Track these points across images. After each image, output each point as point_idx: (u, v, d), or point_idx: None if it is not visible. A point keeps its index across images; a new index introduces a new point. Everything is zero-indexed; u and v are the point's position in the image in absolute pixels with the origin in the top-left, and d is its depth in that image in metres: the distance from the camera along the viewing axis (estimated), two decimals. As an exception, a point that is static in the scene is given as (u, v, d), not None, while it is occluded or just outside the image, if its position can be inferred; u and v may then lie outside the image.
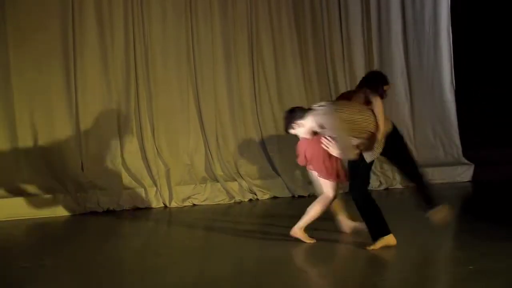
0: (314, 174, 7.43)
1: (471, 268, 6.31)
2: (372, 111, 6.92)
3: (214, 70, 10.35)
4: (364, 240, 7.15)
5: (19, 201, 9.06)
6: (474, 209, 9.69)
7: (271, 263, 6.72)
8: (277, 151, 10.53)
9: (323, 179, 7.29)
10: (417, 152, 11.46)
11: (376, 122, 6.87)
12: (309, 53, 10.91)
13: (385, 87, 7.52)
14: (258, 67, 10.63)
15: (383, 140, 6.94)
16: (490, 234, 7.56)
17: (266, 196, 10.24)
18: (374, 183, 10.46)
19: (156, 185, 9.76)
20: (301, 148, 7.49)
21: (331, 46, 11.05)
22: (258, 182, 10.28)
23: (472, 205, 10.20)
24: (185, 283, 6.13)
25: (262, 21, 10.66)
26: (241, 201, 10.09)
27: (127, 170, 9.76)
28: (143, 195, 9.68)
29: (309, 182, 10.32)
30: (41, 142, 9.43)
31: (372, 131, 6.85)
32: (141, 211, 9.54)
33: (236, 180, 10.19)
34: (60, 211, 9.18)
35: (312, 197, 10.09)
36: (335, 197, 7.34)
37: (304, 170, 10.31)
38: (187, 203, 9.84)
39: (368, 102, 7.06)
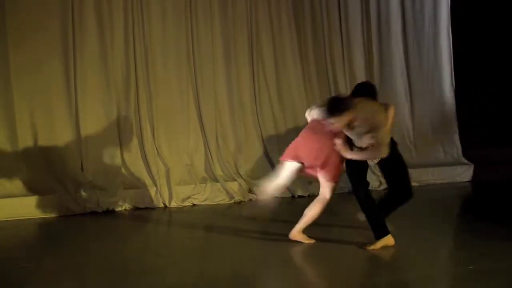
0: (311, 173, 7.37)
1: (471, 268, 6.32)
2: None
3: (214, 70, 10.36)
4: (364, 240, 7.15)
5: (19, 201, 9.05)
6: (474, 209, 9.70)
7: (271, 263, 6.73)
8: (277, 151, 10.52)
9: (325, 181, 7.23)
10: (417, 152, 11.50)
11: None
12: (309, 53, 10.91)
13: None
14: (258, 67, 10.63)
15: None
16: (490, 234, 7.56)
17: (266, 196, 10.23)
18: (374, 183, 10.45)
19: (156, 185, 9.76)
20: (309, 147, 7.28)
21: (331, 46, 11.05)
22: (258, 182, 10.27)
23: (472, 205, 10.22)
24: (185, 283, 6.13)
25: (262, 22, 10.67)
26: (241, 201, 10.09)
27: (127, 170, 9.76)
28: (143, 195, 9.68)
29: (309, 182, 10.37)
30: (41, 142, 9.43)
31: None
32: (141, 211, 9.54)
33: (236, 180, 10.19)
34: (60, 211, 9.17)
35: (312, 197, 10.12)
36: (331, 199, 7.30)
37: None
38: (187, 203, 9.84)
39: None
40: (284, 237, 7.48)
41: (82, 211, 9.29)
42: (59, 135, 9.52)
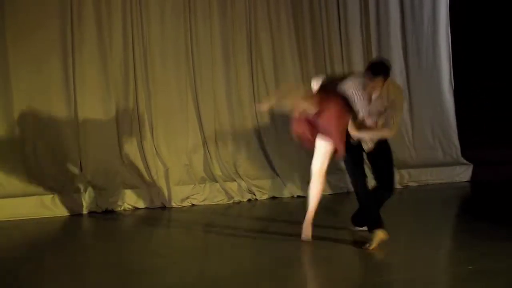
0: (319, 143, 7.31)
1: (471, 268, 6.32)
2: None
3: (212, 70, 10.35)
4: (363, 240, 7.16)
5: (18, 201, 9.03)
6: (473, 209, 9.70)
7: (270, 264, 6.72)
8: (276, 151, 10.53)
9: (324, 151, 7.21)
10: (416, 152, 11.50)
11: None
12: (308, 53, 10.90)
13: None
14: (257, 67, 10.62)
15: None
16: (490, 234, 7.57)
17: (265, 196, 10.23)
18: (372, 183, 10.42)
19: (155, 185, 9.75)
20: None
21: (330, 45, 11.04)
22: (257, 182, 10.27)
23: (471, 205, 10.22)
24: (185, 283, 6.13)
25: (261, 21, 10.66)
26: (240, 201, 10.08)
27: (126, 170, 9.75)
28: (142, 195, 9.67)
29: (308, 182, 10.35)
30: (40, 142, 9.42)
31: None
32: (140, 211, 9.53)
33: (235, 180, 10.18)
34: (59, 211, 9.15)
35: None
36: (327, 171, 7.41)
37: (303, 170, 10.35)
38: (186, 203, 9.83)
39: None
40: (284, 237, 7.50)
41: (81, 211, 9.27)
42: (58, 135, 9.51)
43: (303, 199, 10.09)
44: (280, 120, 10.59)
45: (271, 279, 6.16)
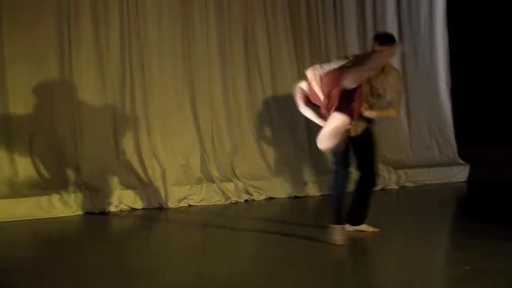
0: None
1: (468, 268, 6.32)
2: None
3: (209, 71, 10.33)
4: (358, 240, 7.17)
5: (14, 202, 9.02)
6: (470, 210, 9.70)
7: (268, 264, 6.72)
8: (273, 151, 10.53)
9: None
10: (413, 153, 11.50)
11: None
12: (305, 55, 10.89)
13: None
14: (254, 68, 10.61)
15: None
16: (487, 234, 7.56)
17: (262, 197, 10.23)
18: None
19: (152, 186, 9.74)
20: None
21: (327, 47, 11.03)
22: (253, 182, 10.27)
23: (468, 206, 10.22)
24: (184, 283, 6.12)
25: (257, 23, 10.64)
26: (237, 202, 10.07)
27: (123, 170, 9.74)
28: (139, 196, 9.66)
29: (304, 182, 10.37)
30: (36, 142, 9.40)
31: None
32: (137, 211, 9.53)
33: (232, 180, 10.18)
34: (56, 212, 9.15)
35: (309, 197, 10.15)
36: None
37: (300, 171, 10.35)
38: (183, 204, 9.83)
39: None
40: (281, 238, 7.51)
41: (77, 212, 9.26)
42: (55, 137, 9.50)
43: (300, 199, 10.14)
44: (277, 120, 10.60)
45: (268, 280, 6.16)
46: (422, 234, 7.73)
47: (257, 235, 7.94)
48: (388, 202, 10.25)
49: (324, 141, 6.78)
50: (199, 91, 10.25)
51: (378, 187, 10.59)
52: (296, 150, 10.60)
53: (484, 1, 12.46)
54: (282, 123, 10.64)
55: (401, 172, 11.11)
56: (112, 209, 9.47)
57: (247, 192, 10.17)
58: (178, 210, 9.67)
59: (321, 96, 6.94)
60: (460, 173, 11.54)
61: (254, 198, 10.16)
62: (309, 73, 7.05)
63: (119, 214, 9.38)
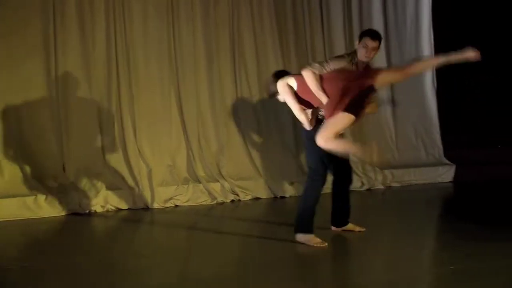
0: None
1: (453, 268, 6.33)
2: None
3: (196, 71, 10.33)
4: (344, 239, 7.17)
5: (0, 203, 8.96)
6: (456, 210, 9.72)
7: (253, 264, 6.71)
8: (259, 151, 10.53)
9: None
10: (399, 153, 11.53)
11: None
12: (291, 54, 10.91)
13: None
14: (240, 68, 10.62)
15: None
16: (473, 235, 7.58)
17: (248, 197, 10.23)
18: (356, 184, 10.45)
19: (138, 186, 9.72)
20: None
21: (313, 47, 11.05)
22: (240, 183, 10.27)
23: (454, 206, 10.24)
24: (169, 284, 6.11)
25: (244, 22, 10.65)
26: (223, 202, 10.07)
27: (109, 171, 9.72)
28: (125, 196, 9.64)
29: (290, 182, 10.38)
30: (22, 142, 9.37)
31: None
32: (123, 212, 9.51)
33: (218, 181, 10.17)
34: (42, 213, 9.10)
35: (294, 197, 10.15)
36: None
37: (286, 171, 10.36)
38: (169, 204, 9.81)
39: None
40: (267, 238, 7.50)
41: (63, 212, 9.23)
42: (40, 135, 9.47)
43: (286, 199, 10.15)
44: (263, 120, 10.60)
45: (254, 280, 6.16)
46: (408, 234, 7.74)
47: (242, 236, 7.93)
48: (374, 202, 10.28)
49: (329, 139, 6.77)
50: (185, 91, 10.25)
51: (365, 187, 10.68)
52: (282, 150, 10.61)
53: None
54: (268, 123, 10.65)
55: (387, 172, 11.13)
56: (98, 209, 9.44)
57: (233, 192, 10.17)
58: (164, 210, 9.66)
59: (321, 95, 6.89)
60: (446, 173, 11.58)
61: (240, 198, 10.16)
62: (308, 72, 6.98)
63: (105, 215, 9.36)
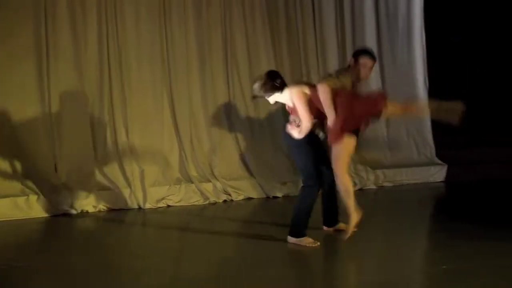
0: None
1: (445, 268, 6.35)
2: None
3: (188, 72, 10.32)
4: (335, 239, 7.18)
5: (-8, 203, 8.99)
6: (448, 209, 9.73)
7: (246, 264, 6.71)
8: (252, 152, 10.52)
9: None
10: (391, 153, 11.53)
11: None
12: (283, 54, 10.90)
13: None
14: (232, 69, 10.60)
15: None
16: (465, 234, 7.59)
17: (241, 197, 10.22)
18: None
19: (130, 186, 9.71)
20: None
21: (306, 47, 11.04)
22: (232, 183, 10.26)
23: (446, 205, 10.24)
24: (162, 284, 6.12)
25: (236, 24, 10.62)
26: (216, 202, 10.06)
27: (101, 171, 9.71)
28: (117, 196, 9.63)
29: (283, 183, 10.37)
30: (14, 143, 9.35)
31: None
32: (115, 212, 9.49)
33: (210, 181, 10.17)
34: (33, 213, 9.10)
35: (286, 197, 10.15)
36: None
37: (278, 171, 10.35)
38: (161, 204, 9.81)
39: None
40: (259, 238, 7.51)
41: (55, 212, 9.22)
42: (33, 136, 9.45)
43: (279, 199, 10.15)
44: (255, 121, 10.60)
45: (247, 280, 6.16)
46: (400, 233, 7.76)
47: (235, 236, 7.94)
48: (366, 201, 10.24)
49: (345, 174, 7.11)
50: (177, 92, 10.24)
51: (357, 187, 10.68)
52: (274, 150, 10.61)
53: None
54: (261, 123, 10.65)
55: (379, 172, 11.14)
56: (90, 209, 9.43)
57: (226, 192, 10.17)
58: (156, 210, 9.65)
59: (331, 111, 6.98)
60: (437, 173, 11.58)
61: (233, 198, 10.16)
62: (324, 86, 7.02)
63: (97, 215, 9.35)
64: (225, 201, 10.13)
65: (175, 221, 9.06)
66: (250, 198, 10.26)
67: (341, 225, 7.70)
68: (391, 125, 11.58)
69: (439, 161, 11.69)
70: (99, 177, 9.66)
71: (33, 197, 9.15)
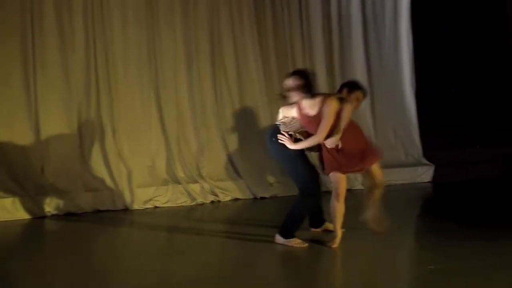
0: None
1: (433, 268, 6.36)
2: None
3: (175, 73, 10.29)
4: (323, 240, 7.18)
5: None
6: (435, 209, 9.75)
7: (233, 265, 6.72)
8: (239, 153, 10.52)
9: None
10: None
11: None
12: (271, 55, 10.87)
13: None
14: (220, 70, 10.58)
15: None
16: (452, 234, 7.63)
17: (228, 198, 10.21)
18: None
19: (117, 187, 9.69)
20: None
21: (293, 48, 11.02)
22: (219, 184, 10.25)
23: (433, 206, 10.27)
24: (149, 285, 6.11)
25: (223, 25, 10.59)
26: (203, 203, 10.05)
27: (88, 172, 9.68)
28: (104, 197, 9.61)
29: (270, 184, 10.37)
30: (1, 145, 9.32)
31: None
32: (102, 213, 9.46)
33: (197, 182, 10.15)
34: (20, 214, 9.08)
35: (274, 198, 10.15)
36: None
37: (265, 172, 10.35)
38: (148, 205, 9.79)
39: None
40: (246, 239, 7.51)
41: (42, 214, 9.19)
42: (20, 138, 9.42)
43: (266, 200, 10.14)
44: (243, 121, 10.59)
45: (234, 281, 6.16)
46: (388, 234, 7.76)
47: (222, 237, 7.94)
48: (354, 202, 10.26)
49: (342, 201, 7.35)
50: (165, 93, 10.21)
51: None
52: (261, 150, 10.58)
53: (448, 4, 12.59)
54: (248, 124, 10.64)
55: (366, 172, 11.14)
56: (78, 211, 9.40)
57: (213, 193, 10.15)
58: (144, 211, 9.63)
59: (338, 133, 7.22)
60: (425, 173, 11.59)
61: (220, 199, 10.14)
62: (350, 107, 7.29)
63: (84, 216, 9.31)
64: (212, 202, 10.11)
65: (163, 222, 9.05)
66: (237, 199, 10.25)
67: (328, 225, 7.71)
68: (378, 126, 11.58)
69: (427, 162, 11.70)
70: (86, 178, 9.63)
71: (19, 199, 9.11)
